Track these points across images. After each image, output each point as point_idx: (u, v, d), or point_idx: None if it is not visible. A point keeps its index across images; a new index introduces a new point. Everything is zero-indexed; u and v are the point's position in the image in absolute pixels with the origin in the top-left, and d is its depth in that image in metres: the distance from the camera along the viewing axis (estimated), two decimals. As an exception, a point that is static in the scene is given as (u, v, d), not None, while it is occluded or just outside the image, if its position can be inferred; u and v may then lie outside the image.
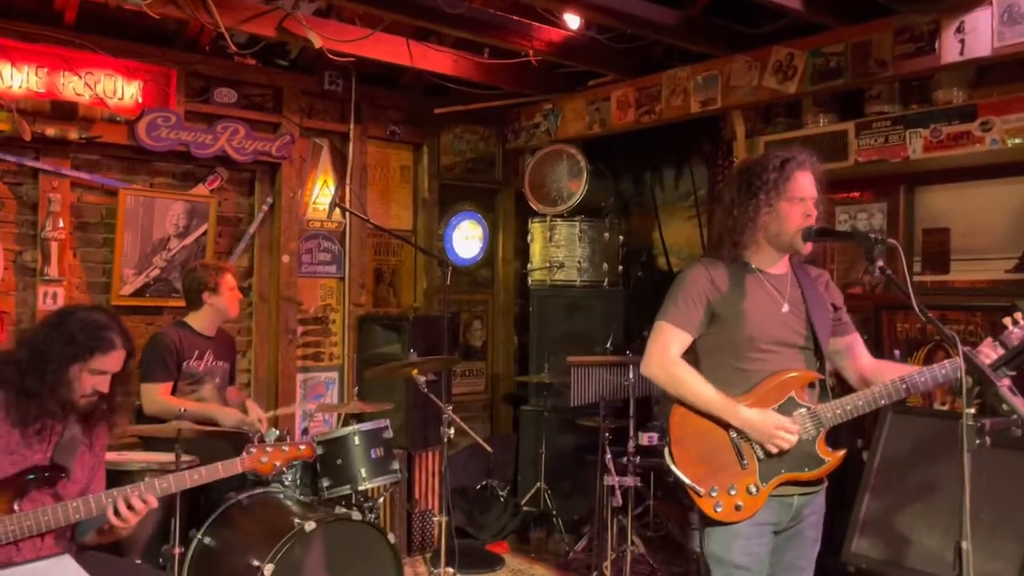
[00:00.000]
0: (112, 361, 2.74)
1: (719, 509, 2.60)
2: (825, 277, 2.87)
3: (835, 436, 2.69)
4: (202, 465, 2.93)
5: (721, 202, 2.79)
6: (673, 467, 2.63)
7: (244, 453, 2.94)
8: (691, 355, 2.73)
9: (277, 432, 3.02)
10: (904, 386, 2.59)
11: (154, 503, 2.72)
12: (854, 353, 2.81)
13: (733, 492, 2.60)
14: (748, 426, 2.59)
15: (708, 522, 2.63)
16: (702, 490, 2.60)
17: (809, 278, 2.80)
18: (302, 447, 3.06)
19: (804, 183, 2.66)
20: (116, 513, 2.66)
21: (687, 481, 2.61)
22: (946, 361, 2.57)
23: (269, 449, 2.97)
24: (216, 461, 2.91)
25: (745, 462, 2.61)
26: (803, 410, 2.64)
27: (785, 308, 2.70)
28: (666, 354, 2.67)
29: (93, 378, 2.72)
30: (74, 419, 2.78)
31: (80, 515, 2.64)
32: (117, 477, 3.29)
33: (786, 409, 2.63)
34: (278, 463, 2.97)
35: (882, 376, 2.67)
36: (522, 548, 5.51)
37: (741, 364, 2.67)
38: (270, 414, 4.39)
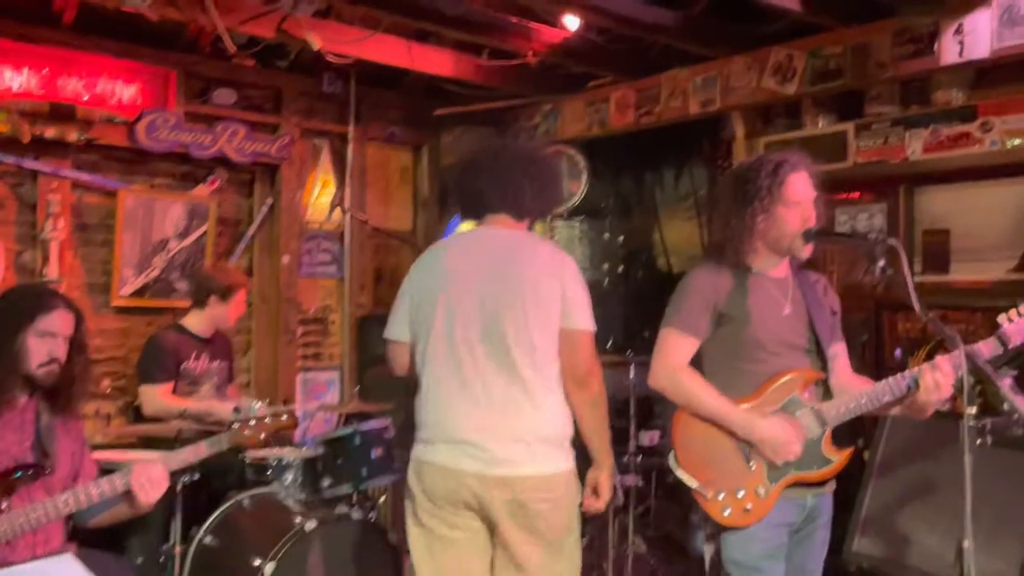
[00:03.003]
0: (57, 320, 2.69)
1: (727, 513, 2.58)
2: (823, 282, 2.87)
3: (838, 436, 2.69)
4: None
5: (717, 209, 2.78)
6: (679, 471, 2.61)
7: (228, 430, 2.93)
8: (695, 358, 2.71)
9: (259, 403, 3.02)
10: (906, 382, 2.58)
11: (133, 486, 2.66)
12: (838, 363, 2.79)
13: (741, 495, 2.58)
14: (760, 443, 2.58)
15: (722, 528, 2.61)
16: (709, 494, 2.58)
17: (808, 282, 2.80)
18: (284, 417, 3.04)
19: (799, 186, 2.65)
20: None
21: (693, 485, 2.60)
22: (945, 354, 2.55)
23: (252, 423, 2.97)
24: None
25: (752, 464, 2.59)
26: (806, 410, 2.64)
27: (787, 310, 2.70)
28: (673, 364, 2.66)
29: (44, 342, 2.67)
30: (41, 400, 2.74)
31: (70, 508, 2.61)
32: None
33: (789, 409, 2.63)
34: (263, 435, 2.96)
35: (854, 389, 2.68)
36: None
37: (745, 366, 2.66)
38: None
